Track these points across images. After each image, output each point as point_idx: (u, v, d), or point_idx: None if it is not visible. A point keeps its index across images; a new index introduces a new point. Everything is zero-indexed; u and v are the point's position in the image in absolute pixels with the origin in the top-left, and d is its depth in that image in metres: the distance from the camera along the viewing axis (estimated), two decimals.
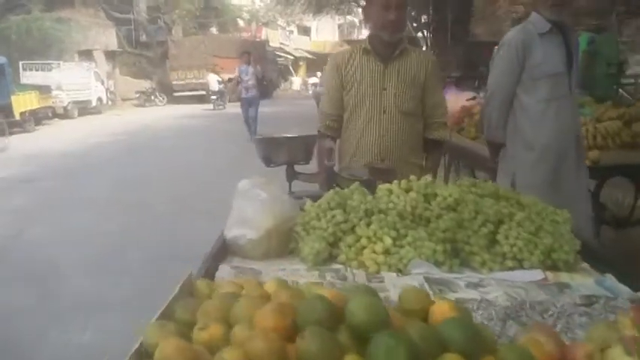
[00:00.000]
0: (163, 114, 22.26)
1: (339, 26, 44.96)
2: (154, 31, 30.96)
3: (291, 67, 41.57)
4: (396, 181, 1.78)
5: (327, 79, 2.64)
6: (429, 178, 1.79)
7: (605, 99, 6.94)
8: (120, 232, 5.81)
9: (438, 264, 1.54)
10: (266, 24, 39.34)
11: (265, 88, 12.17)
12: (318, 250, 1.57)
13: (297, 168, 2.14)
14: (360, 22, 43.88)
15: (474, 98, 7.15)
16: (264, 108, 13.05)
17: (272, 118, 15.46)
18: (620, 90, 7.93)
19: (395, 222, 1.61)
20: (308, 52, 44.23)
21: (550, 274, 1.51)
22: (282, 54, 39.57)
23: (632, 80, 9.15)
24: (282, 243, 1.66)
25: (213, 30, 34.45)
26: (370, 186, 1.97)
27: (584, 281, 1.48)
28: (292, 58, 41.62)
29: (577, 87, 2.82)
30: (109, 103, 25.47)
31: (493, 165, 2.89)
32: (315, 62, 42.27)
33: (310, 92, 34.86)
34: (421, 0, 15.54)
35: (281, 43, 40.53)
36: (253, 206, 1.65)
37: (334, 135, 2.59)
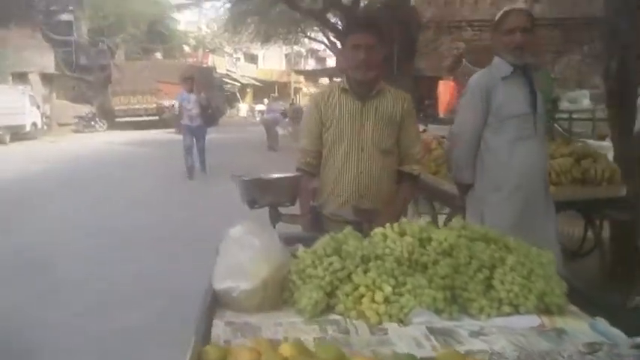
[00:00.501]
0: (105, 140, 21.62)
1: (287, 55, 45.44)
2: (95, 55, 30.24)
3: (237, 94, 41.51)
4: (388, 225, 1.78)
5: (307, 116, 2.65)
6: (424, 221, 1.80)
7: None
8: (68, 271, 5.42)
9: (437, 312, 1.53)
10: (213, 51, 39.28)
11: (210, 116, 11.67)
12: (317, 301, 1.53)
13: (281, 209, 2.10)
14: (307, 51, 44.60)
15: (424, 131, 7.36)
16: (211, 135, 12.57)
17: (220, 146, 15.25)
18: (555, 125, 8.38)
19: (393, 269, 1.60)
20: (255, 79, 44.39)
21: (545, 319, 1.53)
22: (229, 81, 39.51)
23: (566, 115, 9.70)
24: (277, 293, 1.61)
25: (158, 55, 34.01)
26: (357, 227, 1.96)
27: (579, 326, 1.50)
28: (239, 84, 41.63)
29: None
30: (45, 128, 24.46)
31: (462, 204, 2.94)
32: (261, 89, 42.47)
33: (257, 119, 34.91)
34: None
35: (227, 70, 40.49)
36: (247, 255, 1.60)
37: (313, 172, 2.61)
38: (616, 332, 1.44)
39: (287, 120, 18.74)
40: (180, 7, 29.71)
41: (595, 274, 3.97)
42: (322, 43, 27.94)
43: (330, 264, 1.63)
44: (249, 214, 1.87)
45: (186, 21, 38.55)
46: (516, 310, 1.57)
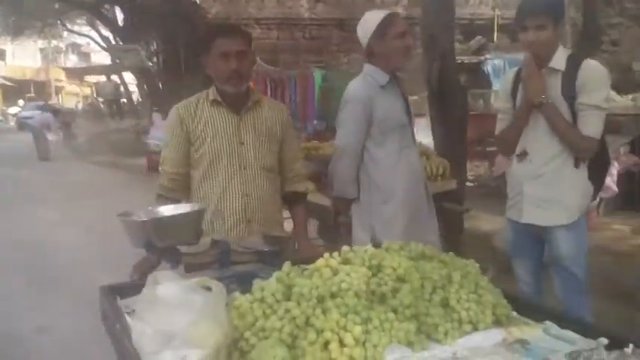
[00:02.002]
0: None
1: (42, 50, 40.30)
2: None
3: None
4: (327, 254, 1.61)
5: (170, 134, 2.30)
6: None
7: None
8: None
9: (409, 344, 1.42)
10: None
11: None
12: (283, 358, 1.30)
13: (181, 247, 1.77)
14: (67, 46, 40.29)
15: None
16: None
17: None
18: None
19: (356, 305, 1.44)
20: (4, 77, 38.54)
21: (504, 332, 1.54)
22: None
23: None
24: (229, 358, 1.33)
25: None
26: (274, 258, 1.77)
27: (534, 332, 1.53)
28: None
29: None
30: None
31: (346, 220, 2.86)
32: (14, 90, 37.17)
33: (13, 124, 30.45)
34: (149, 27, 15.09)
35: None
36: (187, 316, 1.28)
37: (176, 197, 2.28)
38: (568, 334, 1.51)
39: (58, 124, 16.69)
40: None
41: None
42: (88, 37, 25.53)
43: (287, 311, 1.39)
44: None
45: None
46: (475, 327, 1.55)
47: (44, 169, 13.08)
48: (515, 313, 1.67)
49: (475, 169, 7.86)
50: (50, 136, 15.83)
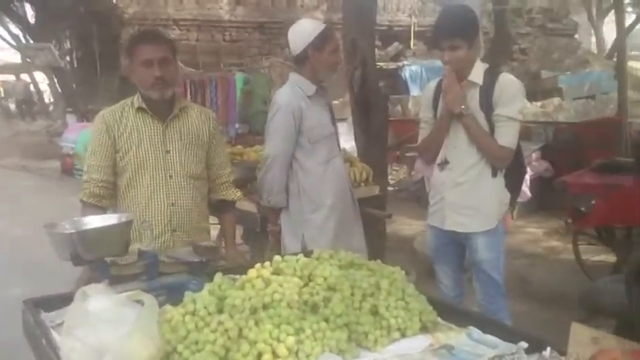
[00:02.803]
0: None
1: None
2: None
3: None
4: (259, 265, 1.61)
5: (95, 141, 2.22)
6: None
7: (261, 133, 7.66)
8: None
9: (341, 353, 1.45)
10: None
11: None
12: None
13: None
14: None
15: None
16: None
17: None
18: None
19: (288, 315, 1.45)
20: None
21: (430, 338, 1.59)
22: None
23: None
24: None
25: None
26: (203, 268, 1.74)
27: (458, 337, 1.60)
28: None
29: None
30: None
31: (274, 228, 2.87)
32: None
33: None
34: (62, 25, 14.39)
35: None
36: (121, 331, 1.25)
37: (100, 204, 2.23)
38: (490, 338, 1.58)
39: None
40: None
41: None
42: None
43: (220, 323, 1.38)
44: None
45: None
46: (403, 334, 1.59)
47: None
48: (439, 319, 1.73)
49: (394, 173, 8.09)
50: None
